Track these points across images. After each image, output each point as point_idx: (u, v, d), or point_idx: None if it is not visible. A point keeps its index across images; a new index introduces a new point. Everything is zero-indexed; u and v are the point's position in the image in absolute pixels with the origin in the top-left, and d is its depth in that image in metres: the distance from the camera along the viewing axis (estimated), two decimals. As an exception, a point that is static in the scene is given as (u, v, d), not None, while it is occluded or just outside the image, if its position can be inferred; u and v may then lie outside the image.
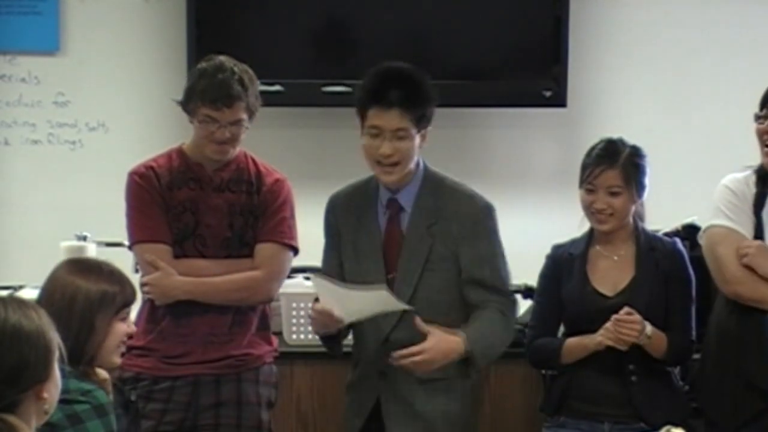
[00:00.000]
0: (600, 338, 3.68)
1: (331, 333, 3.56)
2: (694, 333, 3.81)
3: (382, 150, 3.45)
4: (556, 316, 3.87)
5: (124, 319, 3.02)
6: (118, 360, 3.04)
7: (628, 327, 3.65)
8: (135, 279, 3.91)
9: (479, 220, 3.56)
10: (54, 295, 2.88)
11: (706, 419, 3.74)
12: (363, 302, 3.43)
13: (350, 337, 3.68)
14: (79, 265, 3.03)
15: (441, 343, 3.41)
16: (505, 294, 3.58)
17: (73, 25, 4.79)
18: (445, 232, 3.53)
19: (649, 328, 3.68)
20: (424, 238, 3.54)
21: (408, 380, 3.51)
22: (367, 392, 3.59)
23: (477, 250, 3.54)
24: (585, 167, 3.80)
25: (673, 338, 3.74)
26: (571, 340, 3.79)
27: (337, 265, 3.62)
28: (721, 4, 4.96)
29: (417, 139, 3.48)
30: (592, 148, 3.83)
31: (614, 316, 3.65)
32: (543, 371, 4.08)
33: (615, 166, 3.75)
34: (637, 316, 3.65)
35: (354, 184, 3.69)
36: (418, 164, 3.57)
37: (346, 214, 3.62)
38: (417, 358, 3.38)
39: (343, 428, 3.68)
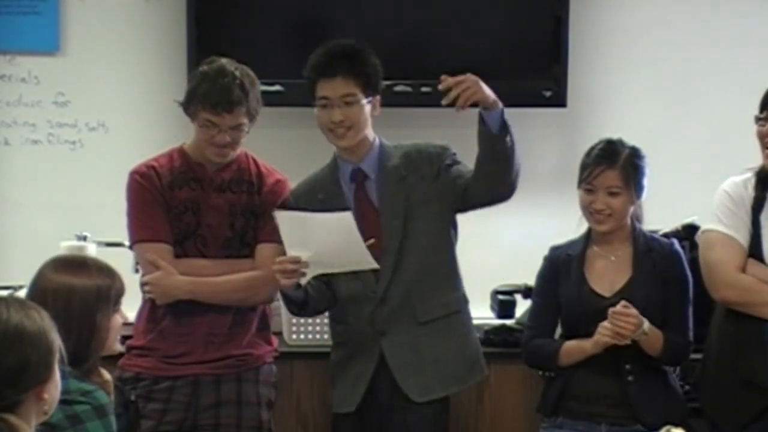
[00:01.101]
0: (598, 337, 3.68)
1: (299, 298, 3.64)
2: (691, 333, 3.81)
3: (333, 117, 3.64)
4: (553, 317, 3.88)
5: (118, 310, 3.01)
6: (119, 347, 3.05)
7: (625, 320, 3.65)
8: (135, 279, 3.93)
9: (447, 155, 3.75)
10: (46, 299, 2.80)
11: (708, 420, 3.74)
12: (326, 232, 3.49)
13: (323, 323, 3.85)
14: (66, 265, 2.99)
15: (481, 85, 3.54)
16: None
17: (73, 25, 4.79)
18: (418, 177, 3.71)
19: (646, 324, 3.68)
20: (398, 192, 3.71)
21: (410, 328, 3.67)
22: (367, 356, 3.70)
23: (459, 168, 3.71)
24: (584, 167, 3.80)
25: (670, 337, 3.74)
26: (570, 343, 3.79)
27: None
28: (721, 4, 4.96)
29: (367, 107, 3.67)
30: (592, 149, 3.83)
31: (611, 310, 3.66)
32: (541, 372, 4.07)
33: (615, 167, 3.75)
34: (633, 310, 3.66)
35: (310, 175, 3.85)
36: (375, 138, 3.76)
37: (308, 200, 3.73)
38: (465, 81, 3.51)
39: (334, 405, 3.76)
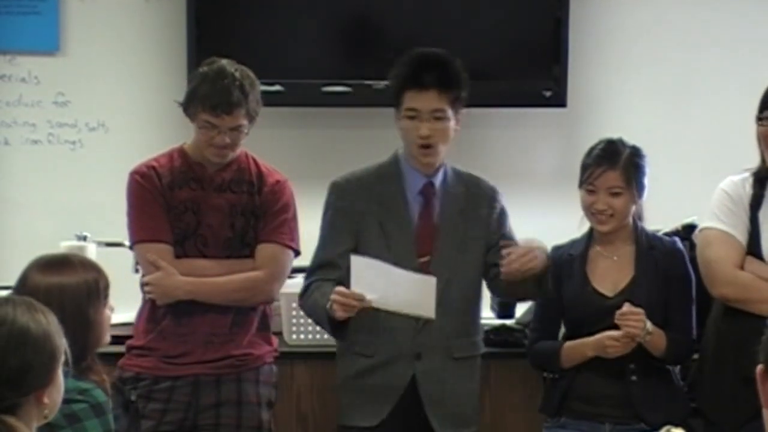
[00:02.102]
0: (605, 347, 3.68)
1: (341, 318, 3.51)
2: (694, 332, 3.81)
3: (421, 131, 3.54)
4: (556, 317, 3.87)
5: (107, 303, 3.00)
6: (108, 339, 3.03)
7: (634, 319, 3.65)
8: (135, 279, 3.93)
9: (499, 204, 3.73)
10: (38, 301, 2.78)
11: (705, 419, 3.74)
12: (403, 288, 3.44)
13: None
14: (50, 265, 2.96)
15: (532, 244, 3.53)
16: None
17: (73, 25, 4.79)
18: (476, 215, 3.67)
19: (649, 324, 3.68)
20: (458, 222, 3.65)
21: (444, 359, 3.62)
22: (398, 375, 3.62)
23: (506, 230, 3.73)
24: (585, 168, 3.80)
25: (673, 336, 3.74)
26: (569, 345, 3.79)
27: (346, 251, 3.60)
28: (721, 4, 4.96)
29: (453, 122, 3.58)
30: (592, 149, 3.83)
31: (618, 312, 3.66)
32: (545, 373, 4.07)
33: (616, 167, 3.75)
34: (638, 309, 3.66)
35: (365, 171, 3.73)
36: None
37: (367, 200, 3.65)
38: (527, 257, 3.46)
39: (350, 415, 3.67)
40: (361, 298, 3.42)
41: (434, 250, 3.62)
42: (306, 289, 3.70)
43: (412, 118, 3.55)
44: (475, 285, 3.71)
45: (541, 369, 3.99)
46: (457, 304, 3.62)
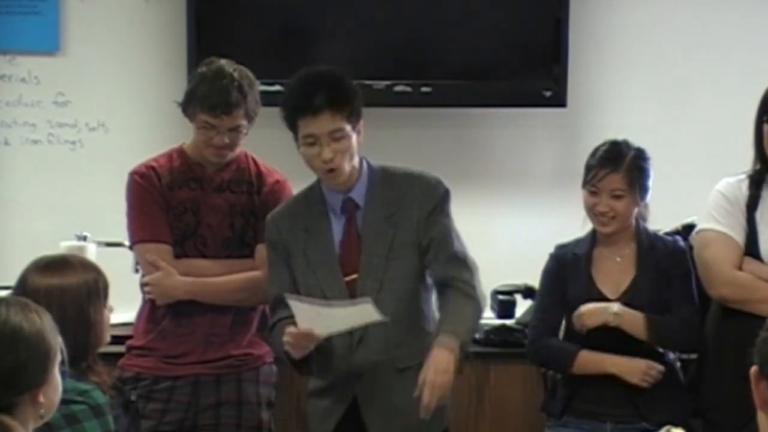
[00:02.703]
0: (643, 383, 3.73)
1: (300, 357, 3.43)
2: (696, 317, 3.77)
3: (323, 156, 3.39)
4: (559, 314, 3.86)
5: (106, 303, 3.00)
6: (108, 338, 3.03)
7: (587, 315, 3.71)
8: (135, 279, 3.93)
9: (439, 200, 3.52)
10: (38, 302, 2.72)
11: (705, 420, 3.74)
12: (345, 317, 3.36)
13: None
14: (50, 266, 2.96)
15: (437, 364, 3.30)
16: (471, 265, 3.52)
17: (73, 25, 4.79)
18: (406, 218, 3.50)
19: (616, 306, 3.70)
20: (384, 229, 3.50)
21: (387, 372, 3.47)
22: (340, 395, 3.52)
23: (442, 227, 3.50)
24: (589, 169, 3.79)
25: (654, 317, 3.72)
26: (588, 356, 3.76)
27: (290, 282, 3.52)
28: (721, 4, 4.95)
29: (354, 136, 3.44)
30: (597, 150, 3.82)
31: (574, 315, 3.71)
32: (543, 371, 4.07)
33: (619, 170, 3.74)
34: (592, 304, 3.70)
35: (295, 198, 3.64)
36: (361, 161, 3.52)
37: (291, 229, 3.54)
38: (428, 392, 3.28)
39: None
40: (310, 334, 3.32)
41: (360, 265, 3.48)
42: (271, 330, 3.60)
43: (311, 144, 3.41)
44: (411, 290, 3.53)
45: (544, 366, 3.97)
46: (393, 315, 3.43)
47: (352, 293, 3.43)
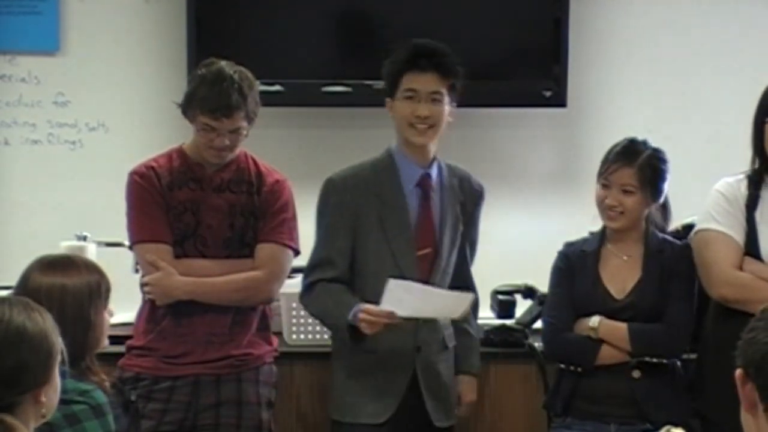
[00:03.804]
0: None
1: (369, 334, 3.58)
2: (685, 327, 3.78)
3: (419, 111, 3.60)
4: (572, 309, 3.84)
5: (107, 306, 3.00)
6: (106, 342, 3.04)
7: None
8: (135, 279, 3.93)
9: (481, 201, 3.84)
10: (39, 302, 2.66)
11: (704, 420, 3.74)
12: (438, 306, 3.55)
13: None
14: (53, 265, 2.97)
15: (473, 387, 3.87)
16: (475, 291, 3.81)
17: (73, 25, 4.78)
18: (465, 210, 3.76)
19: (594, 319, 3.73)
20: (456, 214, 3.72)
21: (439, 350, 3.72)
22: (398, 370, 3.66)
23: (476, 233, 3.84)
24: (604, 162, 3.83)
25: (634, 327, 3.72)
26: (606, 349, 3.79)
27: (347, 247, 3.67)
28: (721, 4, 4.95)
29: (447, 110, 3.64)
30: (615, 145, 3.85)
31: None
32: (544, 369, 4.07)
33: (632, 165, 3.76)
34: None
35: (360, 166, 3.76)
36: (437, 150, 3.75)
37: (364, 195, 3.67)
38: (466, 408, 3.85)
39: (352, 411, 3.70)
40: (391, 316, 3.48)
41: (436, 242, 3.67)
42: (309, 289, 3.73)
43: (410, 98, 3.62)
44: (453, 278, 3.78)
45: (564, 361, 3.90)
46: None
47: (420, 267, 3.63)
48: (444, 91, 3.62)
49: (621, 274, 3.82)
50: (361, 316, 3.50)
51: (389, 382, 3.66)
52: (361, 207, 3.66)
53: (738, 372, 1.89)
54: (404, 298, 3.47)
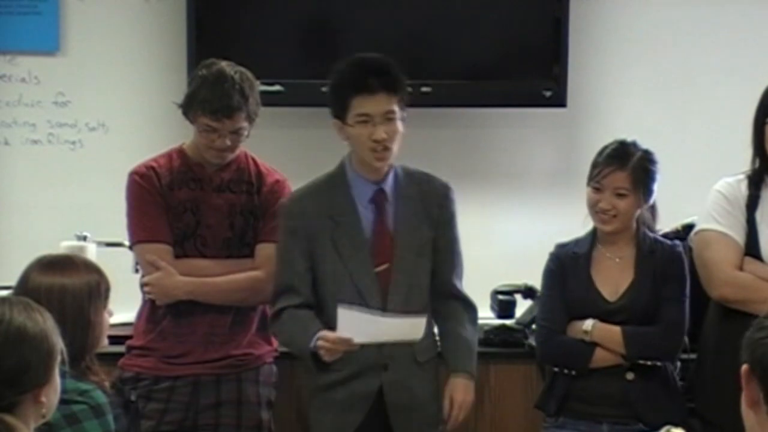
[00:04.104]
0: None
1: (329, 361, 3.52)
2: (680, 329, 3.78)
3: (376, 135, 3.51)
4: (566, 312, 3.84)
5: (106, 306, 3.00)
6: (105, 342, 3.03)
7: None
8: (135, 279, 3.93)
9: (453, 203, 3.71)
10: (39, 301, 2.64)
11: (703, 420, 3.74)
12: (393, 329, 3.46)
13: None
14: (53, 265, 2.97)
15: (464, 388, 3.64)
16: (462, 274, 3.75)
17: (73, 25, 4.78)
18: (428, 216, 3.64)
19: (588, 322, 3.72)
20: (414, 225, 3.62)
21: (409, 365, 3.61)
22: (364, 387, 3.59)
23: (452, 238, 3.70)
24: (595, 166, 3.81)
25: (632, 331, 3.73)
26: (604, 354, 3.79)
27: (305, 270, 3.59)
28: (721, 4, 4.95)
29: (401, 122, 3.56)
30: (605, 148, 3.83)
31: None
32: (544, 369, 4.07)
33: (625, 168, 3.75)
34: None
35: (314, 185, 3.68)
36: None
37: (318, 216, 3.59)
38: (457, 412, 3.64)
39: (325, 428, 3.65)
40: (348, 341, 3.41)
41: (393, 257, 3.56)
42: (276, 317, 3.64)
43: (364, 122, 3.51)
44: (427, 288, 3.67)
45: (559, 364, 3.90)
46: (418, 309, 3.58)
47: (381, 284, 3.55)
48: (396, 108, 3.53)
49: (613, 277, 3.82)
50: (319, 344, 3.44)
51: (354, 400, 3.60)
52: (314, 230, 3.58)
53: (744, 368, 1.90)
54: (357, 325, 3.41)
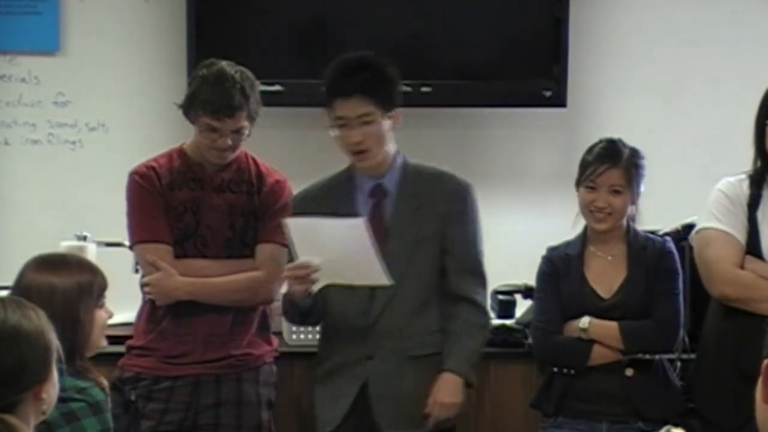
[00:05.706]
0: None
1: (305, 306, 3.60)
2: (676, 321, 3.78)
3: (351, 138, 3.55)
4: (561, 312, 3.85)
5: (102, 305, 3.00)
6: (104, 342, 3.04)
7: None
8: (135, 279, 3.93)
9: (466, 201, 3.69)
10: (30, 298, 2.69)
11: (703, 419, 3.74)
12: (337, 237, 3.45)
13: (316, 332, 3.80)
14: (46, 263, 2.98)
15: (449, 387, 3.61)
16: (482, 277, 3.75)
17: (73, 25, 4.79)
18: (432, 212, 3.65)
19: (584, 319, 3.73)
20: (411, 220, 3.64)
21: (399, 358, 3.60)
22: (350, 378, 3.62)
23: (467, 233, 3.69)
24: (586, 166, 3.80)
25: (628, 325, 3.73)
26: (601, 350, 3.79)
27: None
28: (721, 4, 4.95)
29: (386, 122, 3.57)
30: (593, 147, 3.84)
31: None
32: (543, 369, 4.07)
33: (618, 166, 3.76)
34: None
35: (322, 180, 3.76)
36: (398, 153, 3.68)
37: (321, 209, 3.61)
38: (437, 412, 3.60)
39: (317, 420, 3.70)
40: (308, 265, 3.45)
41: (385, 251, 3.55)
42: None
43: (342, 126, 3.56)
44: (431, 284, 3.67)
45: (557, 364, 3.90)
46: (411, 303, 3.62)
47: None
48: (372, 110, 3.54)
49: (607, 274, 3.82)
50: (285, 275, 3.52)
51: (342, 390, 3.63)
52: None
53: (765, 363, 1.90)
54: (308, 239, 3.45)
